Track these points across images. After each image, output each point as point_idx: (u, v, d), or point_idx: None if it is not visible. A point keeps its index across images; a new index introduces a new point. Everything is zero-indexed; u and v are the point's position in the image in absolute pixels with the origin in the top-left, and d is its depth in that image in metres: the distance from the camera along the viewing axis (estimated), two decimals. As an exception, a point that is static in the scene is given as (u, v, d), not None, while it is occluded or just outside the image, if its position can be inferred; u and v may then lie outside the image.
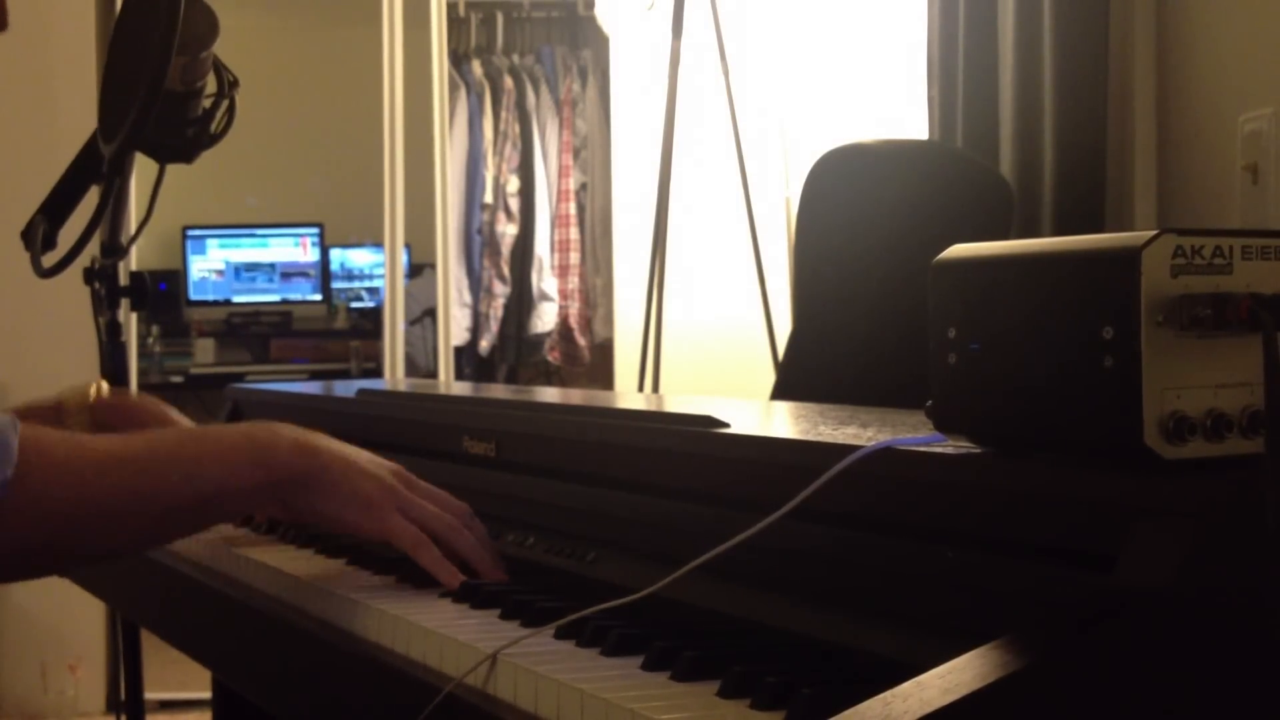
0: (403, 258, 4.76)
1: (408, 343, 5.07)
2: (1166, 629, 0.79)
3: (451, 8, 5.28)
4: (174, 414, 1.58)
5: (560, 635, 1.08)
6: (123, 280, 2.11)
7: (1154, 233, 0.83)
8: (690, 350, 4.27)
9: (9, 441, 1.12)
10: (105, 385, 1.69)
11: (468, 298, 5.62)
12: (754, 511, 1.02)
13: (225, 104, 1.97)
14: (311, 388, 2.41)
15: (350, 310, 6.35)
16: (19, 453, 1.12)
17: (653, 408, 1.55)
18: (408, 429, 1.74)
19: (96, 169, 1.93)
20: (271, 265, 6.32)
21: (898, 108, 3.71)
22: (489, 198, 5.61)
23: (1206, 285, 0.84)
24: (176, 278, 6.21)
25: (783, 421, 1.48)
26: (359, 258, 6.37)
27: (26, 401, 1.59)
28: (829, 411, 1.44)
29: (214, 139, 1.98)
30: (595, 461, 1.35)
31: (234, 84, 1.98)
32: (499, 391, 2.24)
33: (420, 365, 5.64)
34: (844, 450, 1.00)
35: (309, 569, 1.42)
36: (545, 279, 5.68)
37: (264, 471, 1.28)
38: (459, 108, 5.54)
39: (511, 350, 5.80)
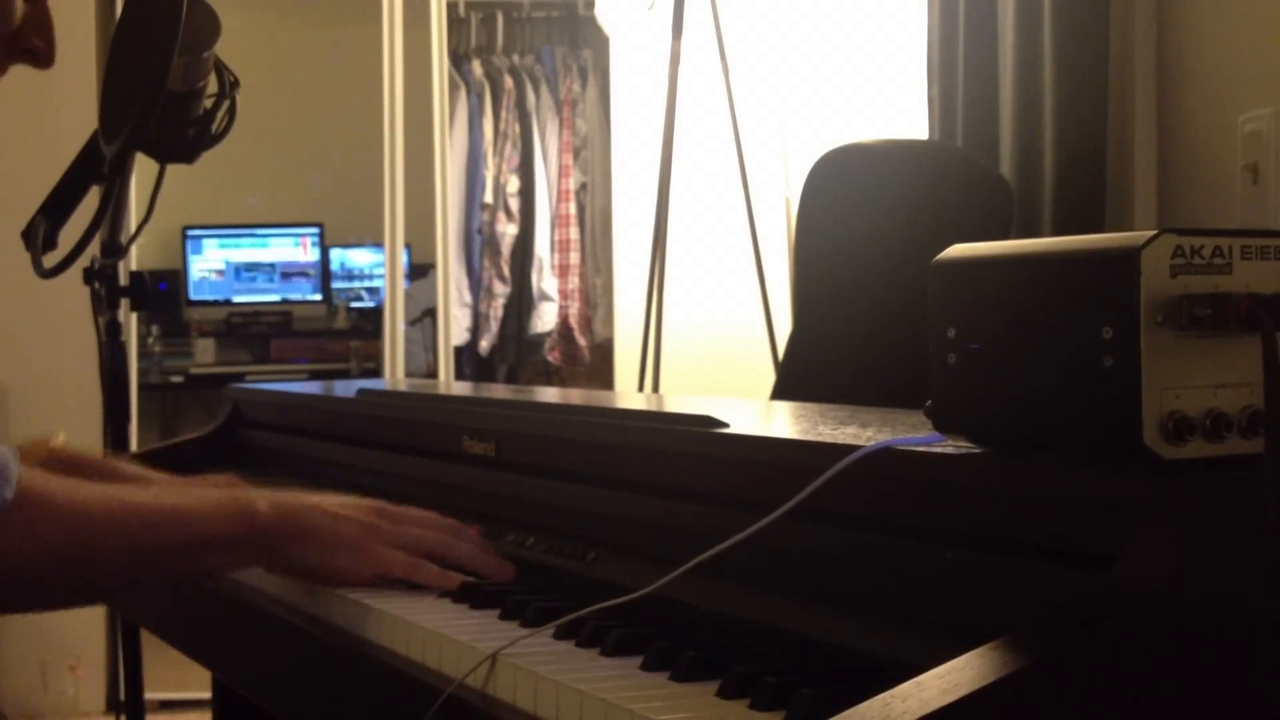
0: (403, 258, 4.76)
1: (408, 342, 5.06)
2: (1165, 629, 0.79)
3: (451, 8, 5.27)
4: (131, 473, 1.52)
5: (559, 635, 1.08)
6: (123, 280, 2.11)
7: (1153, 233, 0.83)
8: (690, 350, 4.27)
9: (9, 466, 1.14)
10: (63, 437, 1.68)
11: (468, 298, 5.62)
12: (754, 511, 1.02)
13: (226, 104, 1.97)
14: (311, 388, 2.41)
15: (350, 310, 6.35)
16: (18, 482, 1.14)
17: (653, 408, 1.55)
18: (408, 429, 1.74)
19: (97, 169, 1.93)
20: (271, 265, 6.32)
21: (898, 108, 3.71)
22: (489, 198, 5.60)
23: (1206, 285, 0.84)
24: (176, 278, 6.21)
25: (782, 421, 1.48)
26: (359, 258, 6.38)
27: None
28: (829, 411, 1.44)
29: (215, 139, 1.98)
30: (595, 461, 1.35)
31: (235, 84, 1.98)
32: (499, 391, 2.24)
33: (420, 365, 5.64)
34: (844, 450, 1.00)
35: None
36: (545, 279, 5.68)
37: (247, 524, 1.29)
38: (459, 108, 5.54)
39: (511, 350, 5.80)
